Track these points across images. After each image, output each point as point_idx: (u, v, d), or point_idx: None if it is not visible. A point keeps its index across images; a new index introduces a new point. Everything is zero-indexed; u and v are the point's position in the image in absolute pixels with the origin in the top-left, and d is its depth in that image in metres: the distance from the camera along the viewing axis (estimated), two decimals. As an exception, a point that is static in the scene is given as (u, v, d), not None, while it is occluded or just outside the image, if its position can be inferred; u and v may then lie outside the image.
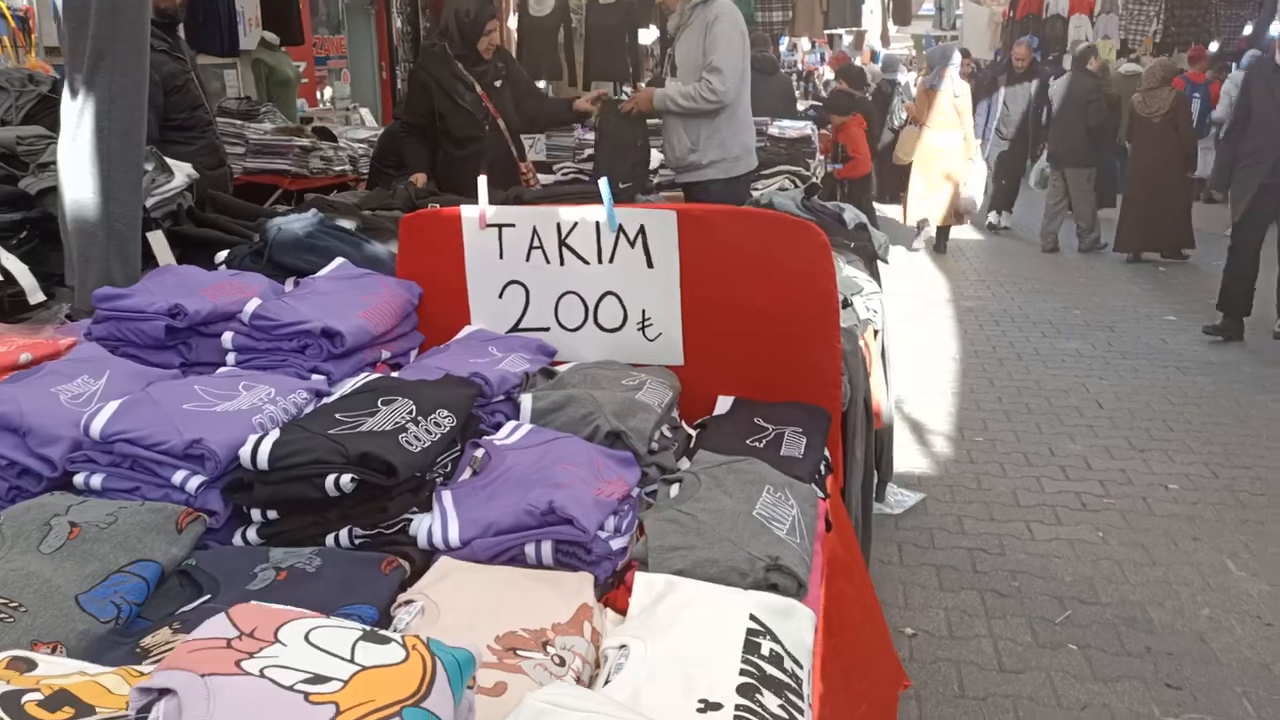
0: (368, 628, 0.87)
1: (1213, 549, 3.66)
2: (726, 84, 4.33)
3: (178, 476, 1.34)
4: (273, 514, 1.36)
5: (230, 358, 1.72)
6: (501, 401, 1.73)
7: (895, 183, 10.18)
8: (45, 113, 3.13)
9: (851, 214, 3.89)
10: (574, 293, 1.96)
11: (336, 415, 1.46)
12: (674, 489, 1.53)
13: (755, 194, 5.06)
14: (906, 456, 4.53)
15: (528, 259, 1.96)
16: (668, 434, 1.78)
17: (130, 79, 2.18)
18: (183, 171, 2.83)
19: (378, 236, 2.62)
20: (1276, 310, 6.30)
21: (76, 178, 2.19)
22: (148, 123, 3.53)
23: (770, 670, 1.13)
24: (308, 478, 1.31)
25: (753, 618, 1.22)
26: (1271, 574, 3.48)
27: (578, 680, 1.11)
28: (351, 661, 0.82)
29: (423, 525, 1.36)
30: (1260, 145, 6.05)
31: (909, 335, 6.58)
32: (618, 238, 1.91)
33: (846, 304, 2.66)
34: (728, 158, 4.56)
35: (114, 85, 2.16)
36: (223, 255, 2.30)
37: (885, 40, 16.92)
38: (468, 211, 1.95)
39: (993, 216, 10.63)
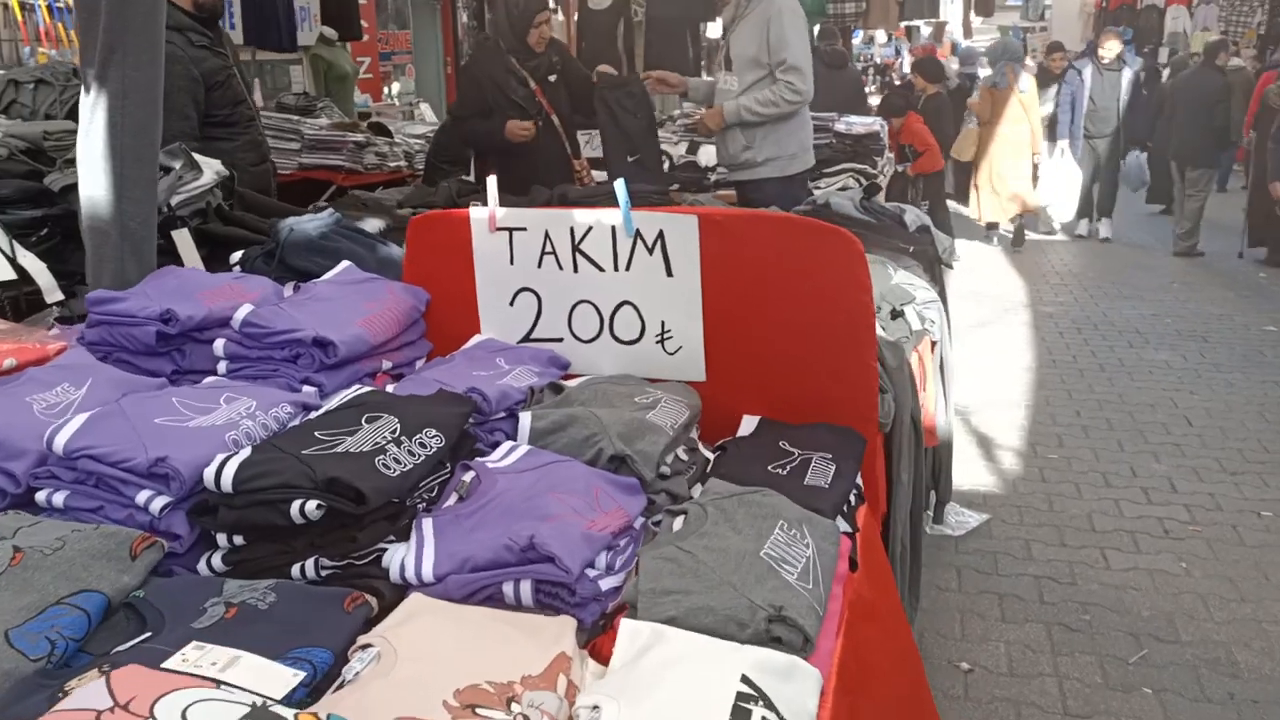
0: (257, 704, 0.75)
1: (1308, 583, 3.38)
2: (806, 81, 4.20)
3: (142, 496, 1.26)
4: (239, 539, 1.26)
5: (221, 366, 1.64)
6: (502, 419, 1.62)
7: (967, 180, 9.80)
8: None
9: (913, 216, 3.69)
10: (588, 302, 1.84)
11: (316, 433, 1.36)
12: (678, 521, 1.39)
13: (816, 193, 4.92)
14: (971, 473, 4.30)
15: (540, 265, 1.84)
16: (683, 457, 1.65)
17: (143, 74, 2.12)
18: (212, 169, 2.78)
19: (409, 237, 2.54)
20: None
21: (90, 175, 2.15)
22: (189, 119, 3.60)
23: (757, 745, 0.99)
24: (273, 503, 1.22)
25: (745, 679, 1.08)
26: (1373, 613, 3.18)
27: (538, 747, 0.99)
28: (229, 745, 0.70)
29: (396, 557, 1.25)
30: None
31: (981, 342, 6.30)
32: (635, 243, 1.78)
33: (897, 315, 2.48)
34: (783, 155, 4.40)
35: (127, 80, 2.10)
36: (237, 256, 2.23)
37: (967, 32, 16.39)
38: (477, 213, 1.84)
39: (1084, 226, 9.71)
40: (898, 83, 14.18)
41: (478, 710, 1.02)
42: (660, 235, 1.77)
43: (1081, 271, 8.50)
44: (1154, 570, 3.50)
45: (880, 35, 19.23)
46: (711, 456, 1.70)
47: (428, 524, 1.31)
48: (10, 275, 2.26)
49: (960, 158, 9.22)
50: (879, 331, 2.35)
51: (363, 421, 1.40)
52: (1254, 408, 5.12)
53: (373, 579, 1.24)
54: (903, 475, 2.28)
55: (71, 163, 2.47)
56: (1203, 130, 8.81)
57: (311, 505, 1.20)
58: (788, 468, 1.64)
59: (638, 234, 1.78)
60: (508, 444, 1.51)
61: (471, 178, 4.56)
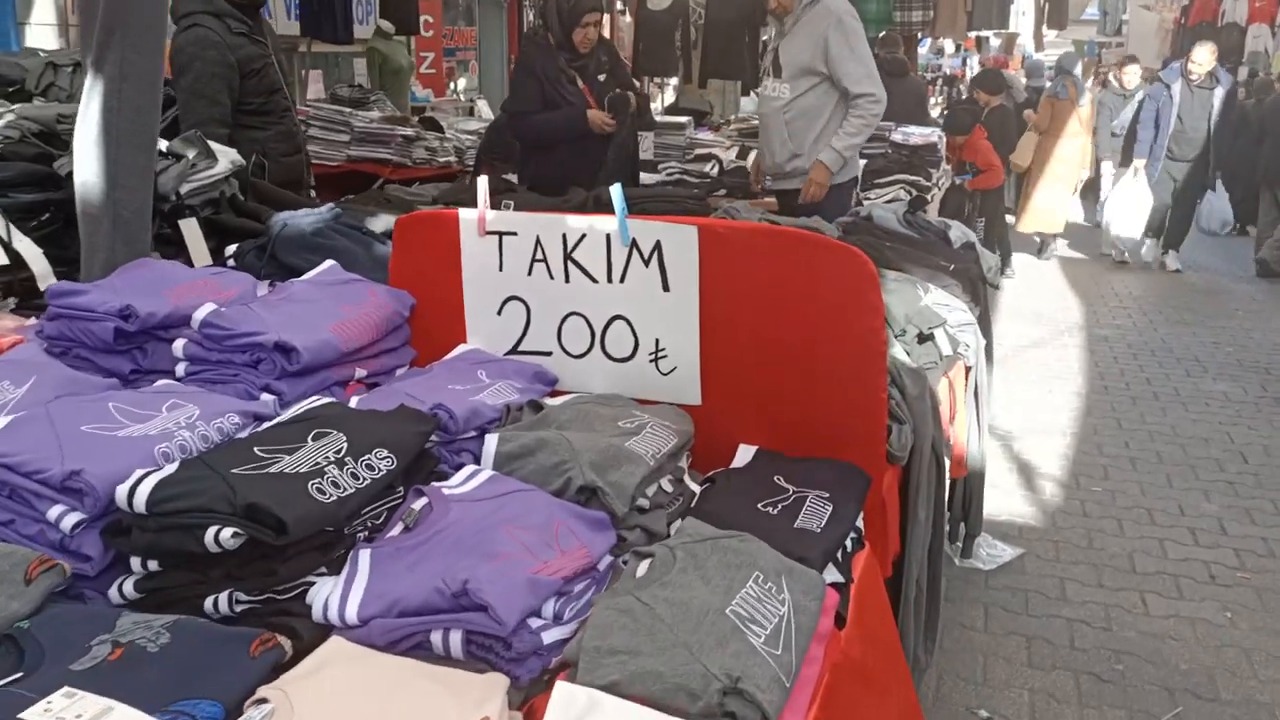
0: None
1: (1367, 644, 3.13)
2: (878, 86, 4.17)
3: (53, 512, 1.16)
4: (154, 565, 1.16)
5: (180, 368, 1.55)
6: (471, 438, 1.50)
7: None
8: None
9: (958, 232, 3.51)
10: (580, 314, 1.71)
11: (255, 449, 1.25)
12: (643, 566, 1.26)
13: (866, 204, 4.75)
14: (1008, 503, 4.09)
15: (530, 272, 1.72)
16: (667, 489, 1.51)
17: (143, 56, 2.05)
18: (227, 158, 2.70)
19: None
20: None
21: (84, 160, 2.08)
22: (221, 105, 3.55)
23: None
24: (188, 528, 1.11)
25: (685, 765, 0.94)
26: None
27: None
28: None
29: (321, 593, 1.14)
30: None
31: (1031, 364, 6.06)
32: (630, 254, 1.65)
33: (925, 339, 2.32)
34: None
35: (125, 63, 2.03)
36: (232, 249, 2.15)
37: (1038, 44, 15.94)
38: (466, 214, 1.73)
39: (1147, 252, 9.11)
40: (963, 96, 13.85)
41: (376, 782, 0.91)
42: (657, 246, 1.64)
43: (1142, 294, 8.17)
44: (1196, 619, 3.27)
45: (949, 46, 18.81)
46: (698, 490, 1.56)
47: (365, 556, 1.19)
48: (3, 260, 2.21)
49: (1019, 163, 9.03)
50: (901, 357, 2.19)
51: (309, 438, 1.29)
52: (1318, 448, 4.83)
53: (294, 616, 1.12)
54: (920, 512, 2.12)
55: (86, 147, 2.42)
56: None
57: (227, 533, 1.09)
58: (779, 506, 1.50)
59: (634, 244, 1.65)
60: (469, 468, 1.39)
61: (514, 176, 4.48)
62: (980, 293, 3.28)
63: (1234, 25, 15.59)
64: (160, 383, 1.47)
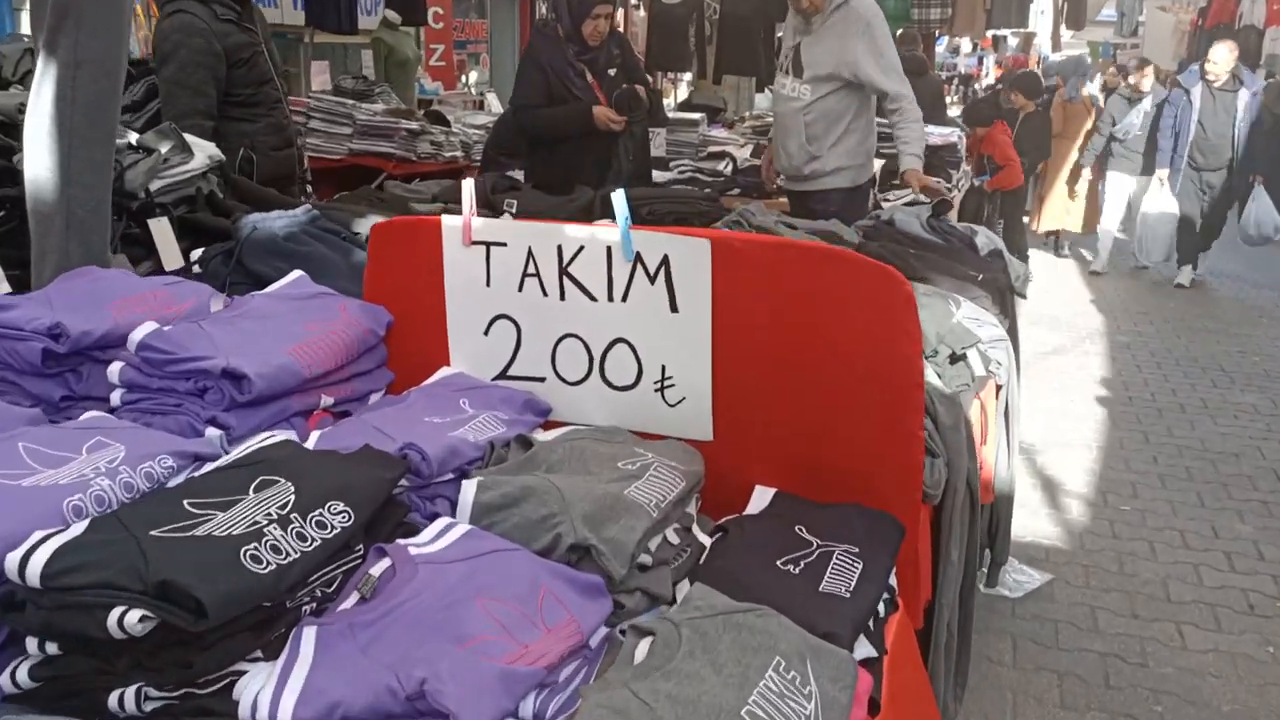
0: None
1: None
2: (908, 86, 4.07)
3: (-63, 581, 0.96)
4: (53, 648, 0.96)
5: (116, 395, 1.35)
6: (449, 481, 1.30)
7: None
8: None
9: (985, 238, 3.31)
10: (576, 336, 1.51)
11: (185, 503, 1.05)
12: (642, 647, 1.06)
13: (885, 206, 4.55)
14: (1034, 524, 3.88)
15: (520, 288, 1.51)
16: (672, 540, 1.31)
17: (100, 40, 1.85)
18: (204, 152, 2.52)
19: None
20: None
21: (35, 155, 1.89)
22: (206, 96, 3.35)
23: None
24: (87, 607, 0.91)
25: None
26: None
27: None
28: None
29: (251, 687, 0.93)
30: None
31: (1052, 373, 5.84)
32: (634, 269, 1.45)
33: (957, 359, 2.12)
34: (853, 165, 4.15)
35: (80, 48, 1.84)
36: (198, 254, 1.95)
37: (1056, 44, 15.69)
38: (450, 221, 1.52)
39: (1165, 266, 8.52)
40: (984, 93, 13.62)
41: None
42: (665, 261, 1.44)
43: (1164, 300, 7.93)
44: (1236, 654, 3.06)
45: (965, 45, 18.57)
46: (708, 542, 1.36)
47: (309, 636, 0.99)
48: (-50, 262, 2.02)
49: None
50: (934, 381, 1.99)
51: (250, 489, 1.09)
52: (1356, 464, 4.61)
53: (216, 718, 0.92)
54: (953, 553, 1.92)
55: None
56: None
57: (134, 616, 0.89)
58: (801, 564, 1.30)
59: (638, 258, 1.45)
60: (443, 521, 1.19)
61: (520, 174, 4.29)
62: (1009, 304, 3.08)
63: (1251, 28, 15.27)
64: (86, 415, 1.27)
